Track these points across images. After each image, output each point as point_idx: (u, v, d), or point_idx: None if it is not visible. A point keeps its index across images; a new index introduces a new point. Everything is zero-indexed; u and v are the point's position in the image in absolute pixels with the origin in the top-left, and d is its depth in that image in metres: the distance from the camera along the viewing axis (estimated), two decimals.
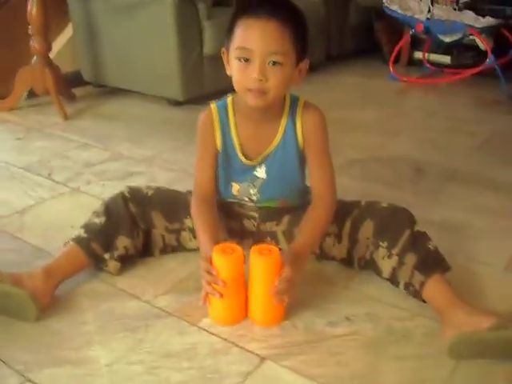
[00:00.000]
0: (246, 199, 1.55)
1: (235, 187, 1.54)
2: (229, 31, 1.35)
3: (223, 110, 1.48)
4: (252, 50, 1.28)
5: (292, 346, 1.26)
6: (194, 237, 1.54)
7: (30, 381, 1.15)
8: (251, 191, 1.53)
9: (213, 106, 1.49)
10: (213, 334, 1.30)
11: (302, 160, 1.49)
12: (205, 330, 1.31)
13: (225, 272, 1.28)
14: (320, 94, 3.28)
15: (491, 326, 1.18)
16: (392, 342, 1.27)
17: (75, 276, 1.47)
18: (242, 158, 1.48)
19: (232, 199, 1.57)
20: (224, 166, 1.50)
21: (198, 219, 1.46)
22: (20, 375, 1.17)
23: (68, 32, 3.41)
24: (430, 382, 1.16)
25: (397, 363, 1.21)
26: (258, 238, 1.57)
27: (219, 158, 1.50)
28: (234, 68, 1.34)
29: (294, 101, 1.47)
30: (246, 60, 1.30)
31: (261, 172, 1.50)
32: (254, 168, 1.49)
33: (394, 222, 1.43)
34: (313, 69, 3.76)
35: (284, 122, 1.45)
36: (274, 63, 1.29)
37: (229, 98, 1.49)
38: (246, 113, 1.45)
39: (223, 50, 1.39)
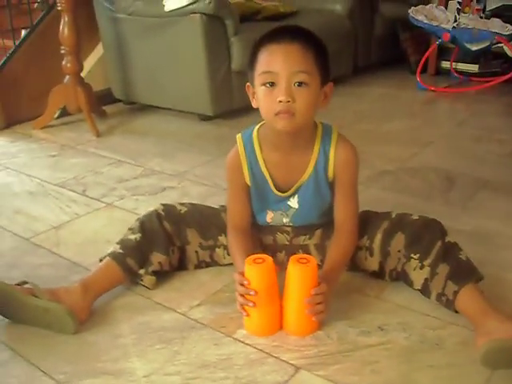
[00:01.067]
0: (280, 225, 1.58)
1: (269, 215, 1.55)
2: (251, 62, 1.37)
3: (249, 146, 1.48)
4: (277, 73, 1.30)
5: (326, 356, 1.27)
6: (228, 254, 1.56)
7: None
8: (284, 220, 1.55)
9: (239, 141, 1.49)
10: (248, 344, 1.31)
11: (332, 189, 1.50)
12: (240, 340, 1.33)
13: (256, 281, 1.30)
14: (348, 106, 3.30)
15: None
16: (425, 351, 1.28)
17: (111, 290, 1.50)
18: (275, 191, 1.49)
19: (266, 225, 1.58)
20: (257, 197, 1.52)
21: (234, 246, 1.49)
22: None
23: (98, 51, 3.48)
24: None
25: (430, 372, 1.21)
26: (290, 251, 1.57)
27: (251, 190, 1.51)
28: (260, 95, 1.35)
29: (328, 131, 1.47)
30: (272, 84, 1.31)
31: (293, 202, 1.51)
32: (287, 198, 1.51)
33: (426, 234, 1.43)
34: (340, 81, 3.79)
35: (316, 151, 1.45)
36: (300, 84, 1.30)
37: (254, 131, 1.49)
38: (275, 142, 1.45)
39: (248, 84, 1.41)
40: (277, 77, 1.30)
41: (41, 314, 1.34)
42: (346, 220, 1.49)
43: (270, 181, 1.48)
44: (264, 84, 1.32)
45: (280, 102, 1.30)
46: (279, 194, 1.50)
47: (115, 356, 1.29)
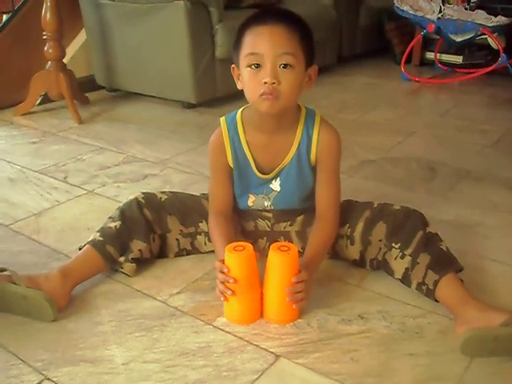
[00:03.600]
0: (261, 209, 1.57)
1: (251, 199, 1.55)
2: (236, 44, 1.36)
3: (233, 128, 1.48)
4: (262, 55, 1.29)
5: (306, 344, 1.27)
6: (209, 240, 1.56)
7: (48, 379, 1.17)
8: (265, 203, 1.55)
9: (223, 123, 1.49)
10: (228, 332, 1.31)
11: (315, 173, 1.50)
12: (220, 328, 1.33)
13: (236, 269, 1.30)
14: (332, 95, 3.30)
15: (503, 322, 1.19)
16: (405, 339, 1.28)
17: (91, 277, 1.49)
18: (257, 173, 1.49)
19: (247, 209, 1.58)
20: (239, 179, 1.51)
21: (215, 231, 1.48)
22: (39, 373, 1.18)
23: (81, 37, 3.45)
24: (444, 379, 1.17)
25: (410, 360, 1.22)
26: (271, 238, 1.58)
27: (234, 173, 1.51)
28: (245, 77, 1.34)
29: (311, 114, 1.47)
30: (257, 66, 1.30)
31: (275, 185, 1.51)
32: (269, 181, 1.51)
33: (407, 224, 1.44)
34: (324, 70, 3.79)
35: (299, 133, 1.45)
36: (285, 66, 1.29)
37: (238, 113, 1.49)
38: (259, 125, 1.45)
39: (233, 66, 1.40)
40: (262, 58, 1.29)
41: (19, 301, 1.33)
42: (328, 208, 1.49)
43: (252, 163, 1.48)
44: (249, 65, 1.31)
45: (265, 83, 1.29)
46: (261, 176, 1.49)
47: (94, 343, 1.28)
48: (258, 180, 1.50)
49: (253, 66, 1.31)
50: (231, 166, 1.49)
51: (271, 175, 1.49)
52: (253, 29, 1.31)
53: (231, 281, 1.28)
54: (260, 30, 1.30)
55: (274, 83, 1.29)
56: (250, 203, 1.56)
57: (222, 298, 1.32)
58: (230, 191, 1.53)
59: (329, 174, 1.48)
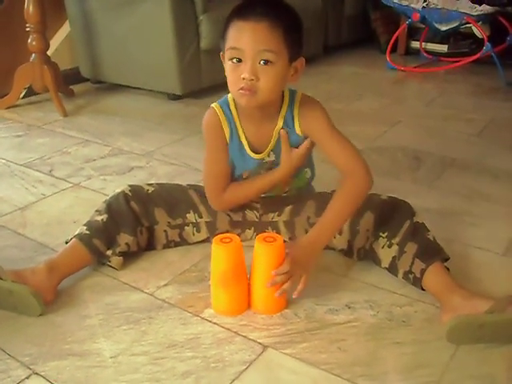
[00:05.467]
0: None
1: (245, 174, 1.55)
2: (223, 34, 1.35)
3: (227, 109, 1.47)
4: (243, 50, 1.29)
5: (294, 334, 1.28)
6: (198, 231, 1.57)
7: (36, 373, 1.17)
8: (261, 173, 1.54)
9: (215, 105, 1.49)
10: (215, 323, 1.31)
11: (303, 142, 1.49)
12: (208, 320, 1.33)
13: (224, 261, 1.30)
14: (317, 86, 3.30)
15: (489, 309, 1.20)
16: (392, 328, 1.29)
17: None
18: (251, 154, 1.49)
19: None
20: (233, 158, 1.51)
21: (233, 193, 1.51)
22: (26, 367, 1.18)
23: (65, 29, 3.41)
24: (430, 367, 1.18)
25: (397, 348, 1.23)
26: (259, 228, 1.58)
27: (228, 149, 1.50)
28: (227, 70, 1.35)
29: (293, 94, 1.47)
30: (238, 60, 1.30)
31: (271, 157, 1.51)
32: (263, 158, 1.51)
33: (395, 214, 1.45)
34: (310, 60, 3.77)
35: (283, 113, 1.45)
36: (266, 62, 1.29)
37: (229, 96, 1.48)
38: (246, 111, 1.45)
39: (221, 53, 1.40)
40: (243, 54, 1.29)
41: (5, 296, 1.32)
42: (351, 162, 1.42)
43: (246, 144, 1.48)
44: (231, 59, 1.31)
45: (243, 79, 1.29)
46: (256, 155, 1.49)
47: (82, 337, 1.28)
48: (252, 160, 1.50)
49: (234, 60, 1.31)
50: (227, 141, 1.49)
51: (264, 154, 1.49)
52: (236, 23, 1.30)
53: None
54: (242, 25, 1.29)
55: (252, 79, 1.29)
56: (244, 176, 1.55)
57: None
58: (228, 168, 1.52)
59: (330, 137, 1.44)
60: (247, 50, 1.28)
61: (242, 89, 1.31)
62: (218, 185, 1.52)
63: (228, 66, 1.33)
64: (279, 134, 1.47)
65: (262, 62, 1.29)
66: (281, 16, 1.31)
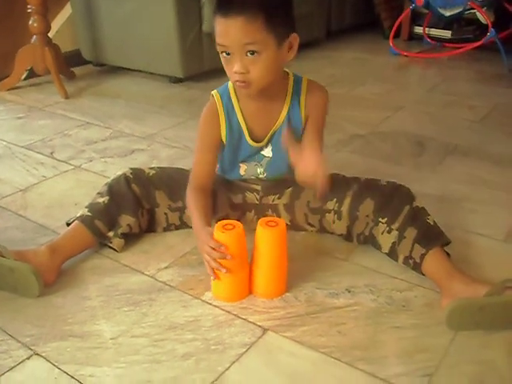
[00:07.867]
0: (253, 178, 1.57)
1: (243, 168, 1.54)
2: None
3: (226, 97, 1.47)
4: (227, 46, 1.28)
5: (294, 317, 1.28)
6: None
7: (37, 354, 1.17)
8: (258, 170, 1.54)
9: (215, 94, 1.48)
10: (216, 306, 1.32)
11: None
12: (208, 302, 1.33)
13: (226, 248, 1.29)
14: (320, 70, 3.29)
15: (487, 292, 1.21)
16: (392, 312, 1.29)
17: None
18: (251, 142, 1.48)
19: (239, 179, 1.58)
20: (231, 150, 1.50)
21: (193, 205, 1.45)
22: (27, 348, 1.19)
23: (67, 11, 3.40)
24: (430, 351, 1.18)
25: (397, 333, 1.23)
26: (259, 211, 1.58)
27: (226, 145, 1.49)
28: (222, 61, 1.35)
29: (298, 81, 1.46)
30: (228, 54, 1.30)
31: (267, 151, 1.51)
32: (261, 149, 1.50)
33: (394, 199, 1.45)
34: (313, 45, 3.77)
35: (288, 100, 1.45)
36: (252, 53, 1.28)
37: (229, 83, 1.47)
38: (249, 97, 1.43)
39: None
40: (229, 49, 1.29)
41: (6, 274, 1.33)
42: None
43: (246, 132, 1.47)
44: (221, 52, 1.32)
45: (235, 72, 1.30)
46: (254, 144, 1.48)
47: (82, 318, 1.28)
48: (251, 149, 1.49)
49: (224, 54, 1.31)
50: (222, 139, 1.48)
51: (263, 143, 1.49)
52: (218, 19, 1.29)
53: (228, 257, 1.27)
54: (223, 21, 1.27)
55: (242, 73, 1.29)
56: (242, 172, 1.55)
57: (212, 277, 1.32)
58: (213, 169, 1.52)
59: (313, 129, 1.45)
60: (231, 46, 1.28)
61: (237, 81, 1.32)
62: (193, 180, 1.50)
63: (222, 58, 1.33)
64: (281, 126, 1.46)
65: (249, 54, 1.28)
66: (259, 4, 1.27)
